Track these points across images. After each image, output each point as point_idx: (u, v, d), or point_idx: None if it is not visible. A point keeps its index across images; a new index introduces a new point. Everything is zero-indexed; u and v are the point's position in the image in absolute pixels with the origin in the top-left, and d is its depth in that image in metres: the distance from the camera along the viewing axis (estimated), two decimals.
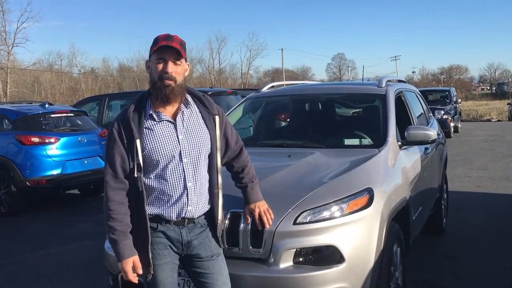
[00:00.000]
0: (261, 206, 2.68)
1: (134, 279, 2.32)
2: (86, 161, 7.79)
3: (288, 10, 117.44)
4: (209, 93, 9.43)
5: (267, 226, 2.68)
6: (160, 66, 2.29)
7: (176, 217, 2.34)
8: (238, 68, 71.56)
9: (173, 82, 2.28)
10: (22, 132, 7.43)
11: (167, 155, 2.30)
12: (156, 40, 2.31)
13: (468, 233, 5.59)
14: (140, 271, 2.31)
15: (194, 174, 2.34)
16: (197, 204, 2.36)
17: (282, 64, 65.67)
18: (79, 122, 8.41)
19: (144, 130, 2.31)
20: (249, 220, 2.71)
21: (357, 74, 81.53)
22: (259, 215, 2.67)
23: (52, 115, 8.07)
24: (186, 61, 2.38)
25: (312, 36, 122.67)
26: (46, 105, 8.28)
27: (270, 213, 2.70)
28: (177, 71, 2.31)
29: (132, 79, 59.77)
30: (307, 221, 2.76)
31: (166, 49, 2.28)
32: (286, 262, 2.72)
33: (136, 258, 2.30)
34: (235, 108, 4.79)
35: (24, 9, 61.57)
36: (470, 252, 4.96)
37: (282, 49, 63.97)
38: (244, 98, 4.98)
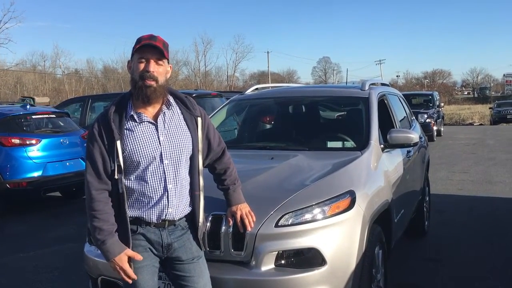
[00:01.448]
0: (243, 209, 2.66)
1: (133, 274, 2.26)
2: (68, 163, 7.68)
3: (274, 13, 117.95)
4: (194, 95, 9.38)
5: (249, 228, 2.67)
6: (142, 65, 2.27)
7: (157, 219, 2.31)
8: (224, 70, 71.54)
9: (154, 82, 2.26)
10: (2, 134, 7.28)
11: (147, 157, 2.27)
12: (139, 40, 2.29)
13: (450, 236, 5.64)
14: (140, 258, 2.26)
15: (175, 176, 2.32)
16: (177, 206, 2.34)
17: (268, 66, 65.89)
18: (61, 124, 8.29)
19: (125, 131, 2.28)
20: (231, 222, 2.69)
21: (342, 78, 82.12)
22: (241, 217, 2.65)
23: (34, 116, 7.94)
24: (168, 62, 2.36)
25: (298, 40, 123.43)
26: (28, 106, 8.16)
27: (252, 215, 2.68)
28: (159, 71, 2.28)
29: (116, 80, 59.27)
30: (289, 223, 2.76)
31: (148, 48, 2.26)
32: (268, 265, 2.71)
33: (129, 251, 2.25)
34: (218, 110, 4.78)
35: (7, 9, 60.67)
36: (452, 254, 5.00)
37: (268, 52, 64.26)
38: (228, 101, 4.97)
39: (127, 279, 2.27)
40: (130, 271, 2.26)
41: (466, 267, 4.63)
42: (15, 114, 7.74)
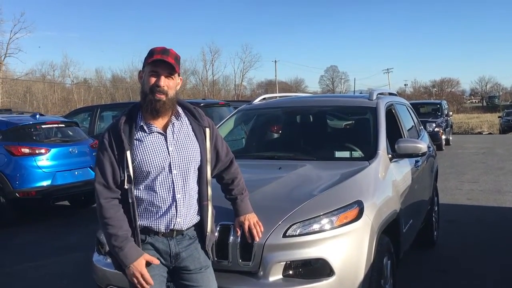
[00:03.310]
0: (251, 219, 2.67)
1: (150, 279, 2.26)
2: (76, 172, 7.73)
3: (281, 23, 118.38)
4: (202, 104, 9.42)
5: (257, 239, 2.67)
6: (153, 79, 2.29)
7: (165, 229, 2.33)
8: (231, 79, 71.80)
9: (164, 96, 2.29)
10: (12, 143, 7.37)
11: (156, 167, 2.29)
12: (152, 52, 2.31)
13: (459, 246, 5.60)
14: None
15: (183, 186, 2.34)
16: (185, 216, 2.35)
17: (275, 76, 65.96)
18: (70, 133, 8.35)
19: (135, 141, 2.31)
20: (239, 232, 2.69)
21: (350, 87, 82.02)
22: (249, 227, 2.66)
23: (43, 126, 8.02)
24: (179, 75, 2.39)
25: (305, 48, 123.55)
26: (37, 116, 8.23)
27: (260, 225, 2.68)
28: (170, 85, 2.31)
29: (125, 89, 59.71)
30: (297, 233, 2.76)
31: (160, 63, 2.28)
32: (276, 275, 2.71)
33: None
34: (226, 120, 4.80)
35: (18, 19, 61.32)
36: (461, 265, 4.96)
37: (275, 61, 64.29)
38: (236, 110, 4.99)
39: (145, 284, 2.26)
40: (148, 275, 2.25)
41: (475, 277, 4.59)
42: (24, 124, 7.82)
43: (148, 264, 2.29)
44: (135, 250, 2.25)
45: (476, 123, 38.96)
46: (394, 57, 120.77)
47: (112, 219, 2.25)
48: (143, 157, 2.29)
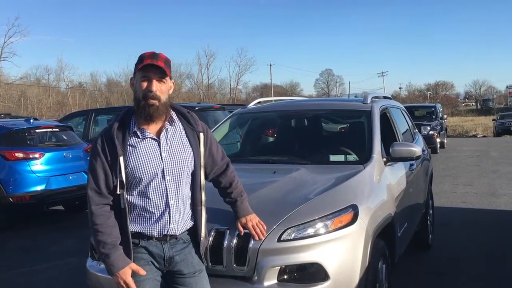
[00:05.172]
0: (253, 219, 2.68)
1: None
2: (71, 177, 7.69)
3: (277, 26, 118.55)
4: (197, 108, 9.41)
5: (262, 237, 2.67)
6: (145, 84, 2.28)
7: (158, 234, 2.32)
8: (227, 83, 71.59)
9: (157, 101, 2.28)
10: (5, 147, 7.32)
11: (150, 173, 2.29)
12: (141, 58, 2.30)
13: (454, 249, 5.60)
14: (144, 272, 2.28)
15: (177, 192, 2.33)
16: (179, 222, 2.35)
17: (271, 79, 66.02)
18: (65, 137, 8.31)
19: (128, 147, 2.30)
20: (242, 233, 2.69)
21: (345, 90, 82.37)
22: (252, 228, 2.66)
23: (37, 130, 7.98)
24: (170, 79, 2.38)
25: (300, 52, 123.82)
26: (31, 120, 8.20)
27: (262, 225, 2.69)
28: (162, 89, 2.30)
29: (120, 93, 59.47)
30: (292, 238, 2.75)
31: (150, 67, 2.27)
32: (271, 280, 2.70)
33: (133, 265, 2.27)
34: (221, 124, 4.78)
35: (12, 23, 61.07)
36: (457, 268, 4.96)
37: (270, 65, 64.32)
38: (231, 114, 4.98)
39: None
40: (133, 285, 2.26)
41: (471, 280, 4.59)
42: (18, 128, 7.78)
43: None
44: (122, 259, 2.25)
45: (471, 126, 39.02)
46: (389, 61, 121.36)
47: (101, 226, 2.25)
48: (136, 163, 2.28)
